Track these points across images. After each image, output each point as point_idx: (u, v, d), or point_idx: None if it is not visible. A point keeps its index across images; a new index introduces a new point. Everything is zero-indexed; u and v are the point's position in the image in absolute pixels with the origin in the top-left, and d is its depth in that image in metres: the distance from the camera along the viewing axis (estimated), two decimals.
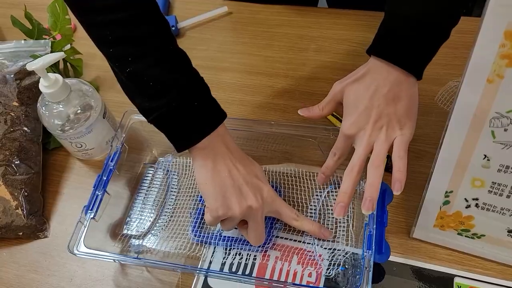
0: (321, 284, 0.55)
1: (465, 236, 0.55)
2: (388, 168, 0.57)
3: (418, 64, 0.53)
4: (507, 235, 0.53)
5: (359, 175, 0.53)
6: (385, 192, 0.56)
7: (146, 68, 0.50)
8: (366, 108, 0.54)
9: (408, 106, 0.54)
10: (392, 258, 0.57)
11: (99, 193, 0.59)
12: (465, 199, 0.52)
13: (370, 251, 0.51)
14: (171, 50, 0.52)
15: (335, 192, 0.63)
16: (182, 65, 0.53)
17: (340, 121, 0.58)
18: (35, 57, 0.71)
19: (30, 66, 0.59)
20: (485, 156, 0.47)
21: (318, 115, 0.60)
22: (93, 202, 0.59)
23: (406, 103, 0.53)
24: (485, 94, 0.43)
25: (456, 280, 0.55)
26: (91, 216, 0.58)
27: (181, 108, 0.51)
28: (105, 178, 0.61)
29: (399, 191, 0.51)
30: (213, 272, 0.57)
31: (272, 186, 0.59)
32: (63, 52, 0.65)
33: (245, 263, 0.58)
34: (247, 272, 0.58)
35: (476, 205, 0.52)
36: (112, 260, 0.58)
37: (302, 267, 0.57)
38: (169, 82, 0.51)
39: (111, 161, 0.62)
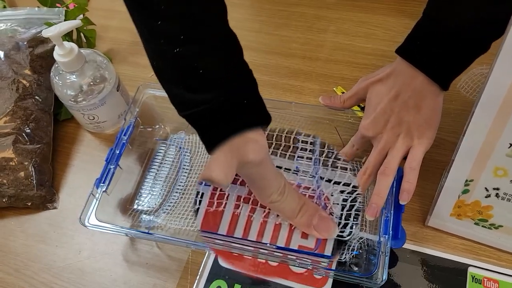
0: (333, 267, 0.54)
1: (482, 226, 0.54)
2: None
3: (445, 74, 0.50)
4: None
5: (371, 178, 0.55)
6: (401, 178, 0.55)
7: (199, 53, 0.42)
8: (385, 112, 0.53)
9: (429, 116, 0.51)
10: (406, 245, 0.56)
11: (112, 167, 0.58)
12: (486, 188, 0.51)
13: (386, 236, 0.51)
14: (227, 32, 0.44)
15: None
16: (236, 54, 0.45)
17: (363, 110, 0.57)
18: (49, 24, 0.69)
19: (46, 33, 0.58)
20: (511, 144, 0.46)
21: (339, 106, 0.60)
22: (105, 176, 0.58)
23: (427, 113, 0.51)
24: None
25: (470, 270, 0.55)
26: (103, 189, 0.57)
27: (228, 105, 0.43)
28: (117, 152, 0.60)
29: (406, 201, 0.52)
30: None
31: None
32: (79, 21, 0.63)
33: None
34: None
35: (497, 195, 0.51)
36: (124, 234, 0.58)
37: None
38: (221, 73, 0.43)
39: (124, 135, 0.61)
